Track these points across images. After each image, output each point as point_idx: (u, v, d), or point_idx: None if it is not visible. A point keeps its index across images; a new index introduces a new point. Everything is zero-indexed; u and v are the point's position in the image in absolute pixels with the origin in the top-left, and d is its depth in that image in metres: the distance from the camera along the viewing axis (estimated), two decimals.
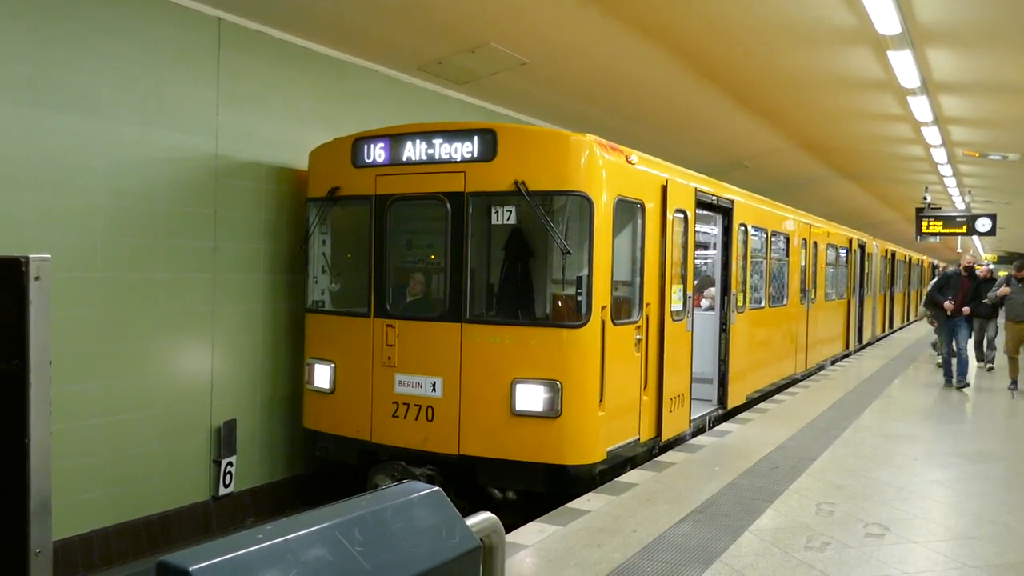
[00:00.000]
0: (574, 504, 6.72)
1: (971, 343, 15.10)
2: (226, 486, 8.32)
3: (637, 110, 13.91)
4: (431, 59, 10.38)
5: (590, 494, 7.00)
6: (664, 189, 8.62)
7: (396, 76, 10.68)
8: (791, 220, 14.30)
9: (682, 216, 9.13)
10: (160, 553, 7.43)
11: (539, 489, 7.29)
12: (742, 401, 11.38)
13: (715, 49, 10.96)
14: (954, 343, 13.89)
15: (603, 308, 7.33)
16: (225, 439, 8.29)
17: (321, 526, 2.10)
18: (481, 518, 2.60)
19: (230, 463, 8.35)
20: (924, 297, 17.05)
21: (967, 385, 13.87)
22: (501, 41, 10.10)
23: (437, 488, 2.51)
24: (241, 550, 1.90)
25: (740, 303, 11.14)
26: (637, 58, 11.16)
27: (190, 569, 1.78)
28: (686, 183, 9.35)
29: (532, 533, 5.93)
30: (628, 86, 12.53)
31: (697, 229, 9.95)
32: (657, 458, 8.40)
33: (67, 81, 6.90)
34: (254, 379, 8.71)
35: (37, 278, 1.95)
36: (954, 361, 13.89)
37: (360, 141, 8.10)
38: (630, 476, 7.65)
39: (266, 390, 8.84)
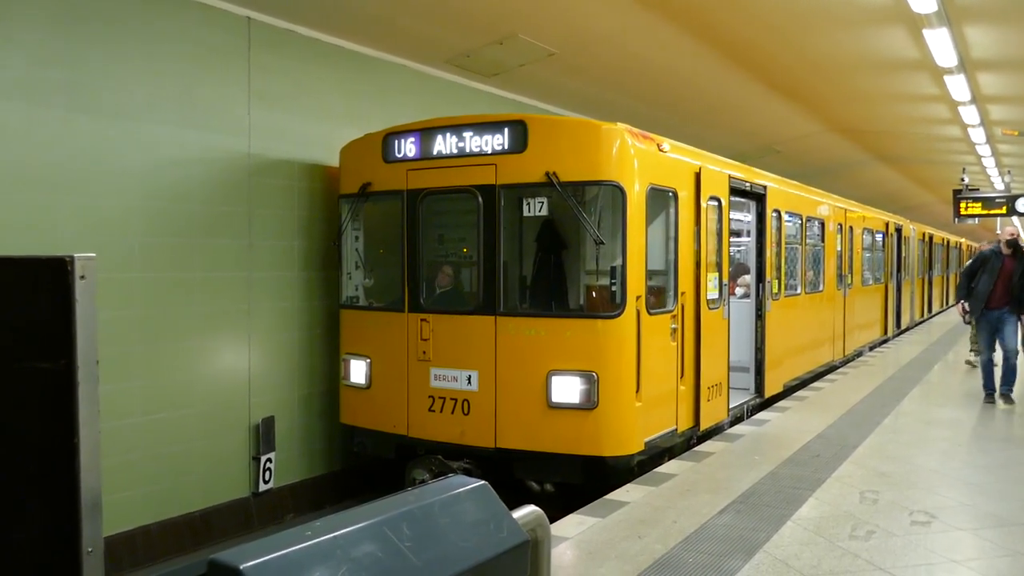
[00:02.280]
0: (613, 496, 6.68)
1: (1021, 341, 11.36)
2: (266, 482, 8.40)
3: (667, 98, 13.77)
4: (459, 52, 10.36)
5: (629, 485, 6.97)
6: (697, 176, 8.54)
7: (424, 70, 10.68)
8: (826, 205, 14.10)
9: (716, 203, 9.05)
10: (203, 549, 7.56)
11: (577, 481, 7.27)
12: (779, 390, 11.23)
13: (746, 33, 10.81)
14: (997, 344, 10.78)
15: (638, 298, 7.27)
16: (264, 436, 8.36)
17: (369, 522, 2.10)
18: (526, 511, 2.57)
19: (269, 459, 8.42)
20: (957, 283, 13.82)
21: (1013, 402, 10.78)
22: (529, 32, 10.05)
23: (484, 482, 2.49)
24: (291, 547, 1.90)
25: (775, 290, 10.99)
26: (666, 45, 11.06)
27: (241, 567, 1.78)
28: (720, 170, 9.26)
29: (572, 525, 5.91)
30: (657, 73, 12.41)
31: (731, 216, 9.80)
32: (695, 448, 8.35)
33: (101, 84, 6.98)
34: (291, 376, 8.77)
35: (83, 277, 1.95)
36: (997, 368, 10.78)
37: (391, 136, 8.11)
38: (669, 467, 7.60)
39: (303, 386, 8.90)
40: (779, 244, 11.22)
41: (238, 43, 8.17)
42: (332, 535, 1.99)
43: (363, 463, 9.08)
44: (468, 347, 7.62)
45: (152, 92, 7.37)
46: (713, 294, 8.87)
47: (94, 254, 1.98)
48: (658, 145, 7.79)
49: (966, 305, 11.13)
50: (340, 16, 8.85)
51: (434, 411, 7.77)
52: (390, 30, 9.44)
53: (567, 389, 7.18)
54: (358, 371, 8.33)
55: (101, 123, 6.96)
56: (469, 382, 7.60)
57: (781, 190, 11.54)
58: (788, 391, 11.58)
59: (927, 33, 9.98)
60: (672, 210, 8.08)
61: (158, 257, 7.42)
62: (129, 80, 7.19)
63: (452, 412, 7.67)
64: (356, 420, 8.43)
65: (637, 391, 7.27)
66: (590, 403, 7.10)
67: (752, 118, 16.20)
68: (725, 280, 9.32)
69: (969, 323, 11.99)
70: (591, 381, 7.09)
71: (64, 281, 1.95)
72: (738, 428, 9.29)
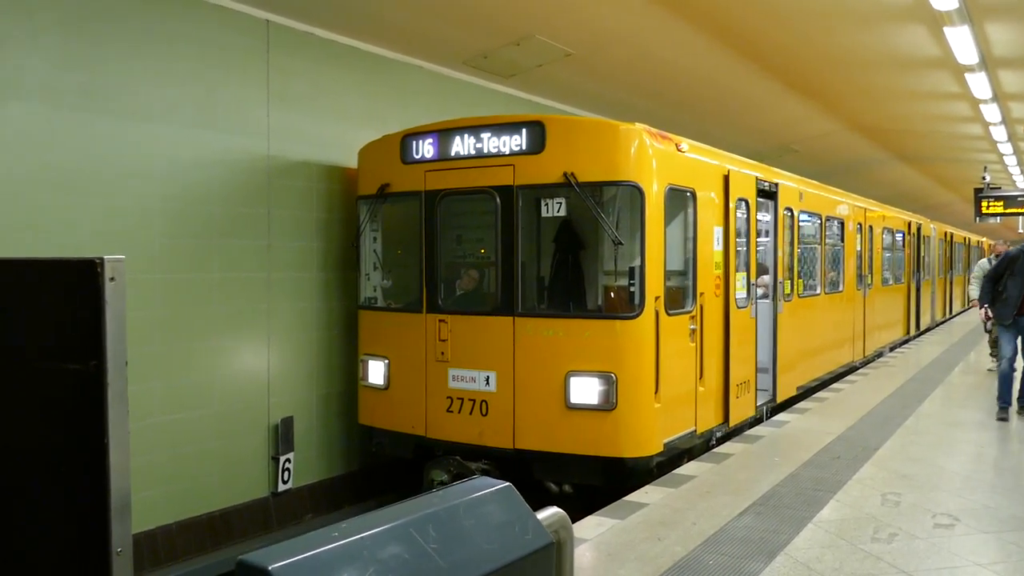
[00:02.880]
0: (632, 497, 6.66)
1: None
2: (284, 482, 8.43)
3: (684, 97, 13.72)
4: (476, 53, 10.37)
5: (648, 487, 6.94)
6: (726, 179, 8.63)
7: (441, 71, 10.70)
8: (845, 204, 13.99)
9: (744, 204, 9.07)
10: (223, 549, 7.58)
11: (596, 483, 7.25)
12: (792, 393, 11.04)
13: (764, 31, 10.75)
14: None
15: (656, 298, 7.25)
16: (283, 436, 8.39)
17: (395, 523, 2.10)
18: (549, 513, 2.56)
19: (288, 459, 8.45)
20: (969, 284, 13.35)
21: None
22: (546, 33, 10.04)
23: (508, 484, 2.48)
24: (318, 548, 1.90)
25: (787, 291, 10.80)
26: (683, 44, 11.02)
27: (270, 568, 1.79)
28: (748, 172, 9.35)
29: (591, 527, 5.89)
30: (674, 73, 12.37)
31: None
32: (714, 449, 8.32)
33: (121, 87, 7.02)
34: (310, 376, 8.80)
35: (112, 279, 1.96)
36: (1017, 378, 9.93)
37: (409, 138, 8.12)
38: (688, 468, 7.57)
39: (321, 387, 8.93)
40: (792, 244, 11.02)
41: (257, 45, 8.21)
42: (359, 536, 1.99)
43: (381, 463, 9.09)
44: (486, 348, 7.62)
45: (172, 94, 7.42)
46: (741, 293, 8.99)
47: (123, 256, 1.99)
48: (676, 145, 7.76)
49: (990, 311, 10.12)
50: (358, 18, 8.88)
51: (452, 412, 7.77)
52: (408, 31, 9.46)
53: (586, 390, 7.16)
54: (376, 372, 8.35)
55: (122, 125, 7.01)
56: (487, 383, 7.60)
57: (793, 187, 11.26)
58: (807, 392, 11.47)
59: (948, 31, 9.89)
60: (691, 210, 8.05)
61: (178, 258, 7.46)
62: (150, 83, 7.23)
63: (470, 413, 7.67)
64: (374, 421, 8.45)
65: (656, 392, 7.25)
66: (609, 404, 7.08)
67: (769, 117, 16.10)
68: (754, 280, 9.39)
69: (990, 331, 11.18)
70: (610, 382, 7.07)
71: (94, 283, 1.95)
72: (758, 429, 9.24)
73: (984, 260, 14.76)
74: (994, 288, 9.97)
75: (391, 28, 9.31)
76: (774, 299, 10.39)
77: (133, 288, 7.05)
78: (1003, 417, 9.63)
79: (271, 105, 8.34)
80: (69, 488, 2.06)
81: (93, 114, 6.82)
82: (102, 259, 1.95)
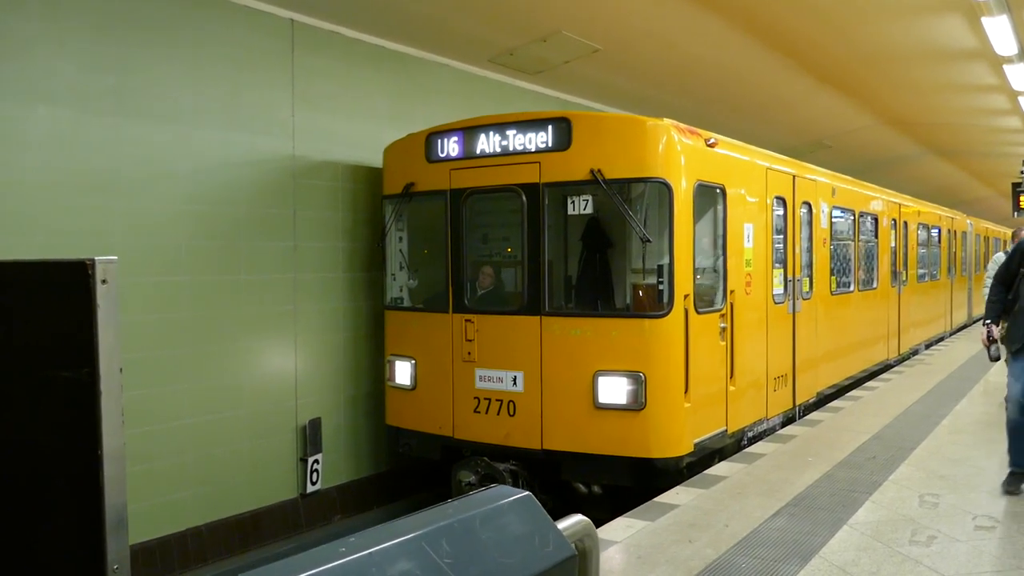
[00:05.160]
0: (662, 498, 6.55)
1: None
2: (313, 483, 8.43)
3: (713, 93, 13.55)
4: (502, 50, 10.31)
5: (679, 487, 6.84)
6: (759, 174, 8.58)
7: (468, 69, 10.65)
8: (878, 199, 13.73)
9: (781, 202, 8.95)
10: (251, 550, 7.60)
11: (625, 484, 7.14)
12: (811, 397, 10.28)
13: (796, 24, 10.58)
14: None
15: (685, 297, 7.13)
16: (311, 437, 8.39)
17: (406, 537, 1.99)
18: (573, 521, 2.44)
19: (316, 461, 8.44)
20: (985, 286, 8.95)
21: None
22: (573, 28, 9.96)
23: (527, 493, 2.38)
24: (322, 566, 1.81)
25: (806, 289, 10.19)
26: (713, 39, 10.88)
27: None
28: (787, 170, 9.28)
29: (620, 529, 5.79)
30: (703, 68, 12.22)
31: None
32: (746, 449, 8.19)
33: (148, 89, 7.05)
34: (337, 377, 8.79)
35: (104, 281, 1.88)
36: None
37: (433, 136, 8.07)
38: (719, 468, 7.45)
39: (349, 388, 8.92)
40: (810, 240, 10.38)
41: (282, 45, 8.21)
42: (368, 551, 1.89)
43: (410, 464, 9.05)
44: (513, 348, 7.54)
45: (198, 96, 7.44)
46: (778, 289, 8.94)
47: (116, 257, 1.92)
48: (705, 140, 7.63)
49: (994, 330, 6.75)
50: (383, 17, 8.86)
51: (479, 412, 7.71)
52: (434, 29, 9.42)
53: (614, 390, 7.06)
54: (403, 372, 8.31)
55: (149, 127, 7.04)
56: (515, 383, 7.52)
57: (810, 180, 10.49)
58: (829, 397, 10.91)
59: (986, 21, 9.65)
60: (721, 207, 7.91)
61: (205, 260, 7.48)
62: (176, 84, 7.25)
63: (498, 413, 7.60)
64: (401, 421, 8.41)
65: (686, 392, 7.13)
66: (637, 404, 6.97)
67: (802, 112, 15.89)
68: (797, 276, 9.29)
69: (997, 358, 7.00)
70: (638, 382, 6.97)
71: (85, 286, 1.87)
72: (790, 429, 9.08)
73: (1000, 253, 10.63)
74: (1005, 296, 6.70)
75: (417, 26, 9.27)
76: (793, 297, 9.87)
77: (161, 290, 7.11)
78: (1011, 490, 6.40)
79: (296, 105, 8.34)
80: (62, 503, 1.99)
81: (121, 117, 6.85)
82: (93, 260, 1.87)
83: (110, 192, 6.78)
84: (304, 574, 1.77)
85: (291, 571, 1.78)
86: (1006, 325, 6.73)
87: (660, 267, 7.19)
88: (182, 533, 7.30)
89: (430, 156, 8.08)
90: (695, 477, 7.15)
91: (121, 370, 1.90)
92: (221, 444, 7.65)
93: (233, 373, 7.75)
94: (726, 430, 7.86)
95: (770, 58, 11.94)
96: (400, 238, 8.73)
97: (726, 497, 6.53)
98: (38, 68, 6.35)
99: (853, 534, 5.61)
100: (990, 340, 6.84)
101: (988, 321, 6.86)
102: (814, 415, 9.78)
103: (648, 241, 7.10)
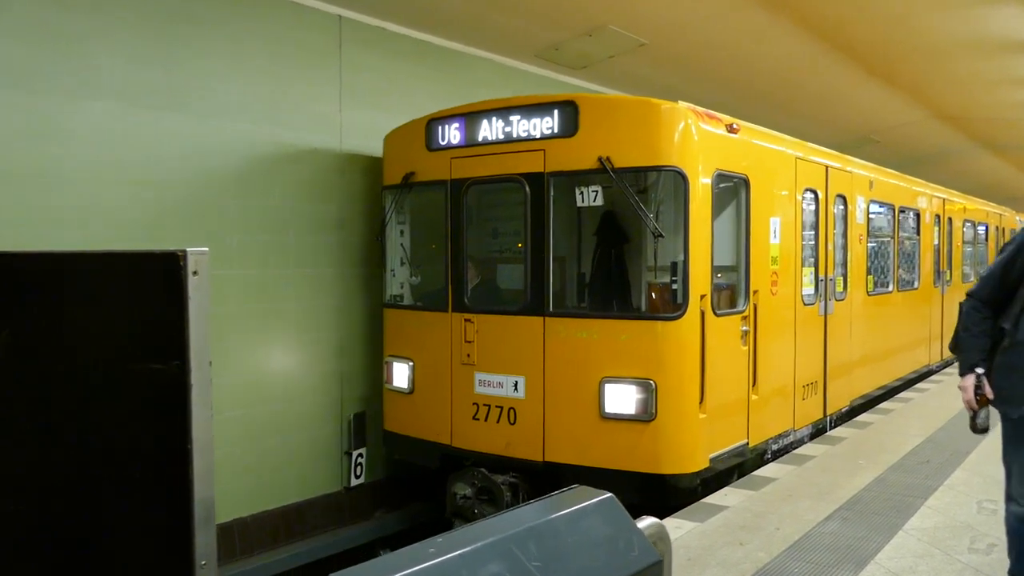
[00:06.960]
0: (711, 499, 6.31)
1: None
2: (357, 477, 8.41)
3: (759, 88, 13.08)
4: (548, 45, 10.15)
5: (727, 488, 6.54)
6: (789, 164, 7.99)
7: (512, 64, 10.58)
8: (922, 194, 12.89)
9: (813, 196, 8.29)
10: (296, 542, 7.71)
11: (633, 501, 6.50)
12: (844, 406, 9.48)
13: (845, 16, 10.17)
14: None
15: (702, 297, 6.50)
16: (355, 431, 8.34)
17: (495, 539, 2.00)
18: (648, 524, 2.40)
19: (360, 455, 8.41)
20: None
21: None
22: (619, 22, 9.74)
23: (610, 494, 2.34)
24: (415, 567, 1.81)
25: (839, 288, 9.37)
26: (760, 32, 10.49)
27: None
28: (820, 160, 8.65)
29: (669, 529, 5.30)
30: (750, 62, 11.81)
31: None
32: (794, 451, 7.79)
33: (196, 84, 7.09)
34: (380, 372, 8.47)
35: (195, 273, 1.83)
36: None
37: (434, 122, 7.53)
38: (767, 470, 7.14)
39: None
40: (845, 236, 9.56)
41: (330, 41, 8.20)
42: (458, 552, 1.90)
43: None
44: (515, 350, 6.98)
45: (246, 91, 7.49)
46: (808, 289, 8.31)
47: (207, 248, 1.83)
48: (728, 125, 6.98)
49: (987, 387, 4.23)
50: (430, 12, 8.76)
51: (479, 419, 7.16)
52: (480, 25, 9.30)
53: (622, 398, 6.46)
54: (401, 375, 7.80)
55: (197, 123, 7.11)
56: (516, 388, 6.96)
57: (846, 172, 9.60)
58: (861, 407, 10.01)
59: None
60: (744, 199, 7.26)
61: (254, 254, 7.54)
62: (224, 80, 7.29)
63: (497, 421, 7.05)
64: (399, 427, 7.90)
65: (701, 401, 6.50)
66: (647, 414, 6.36)
67: (849, 106, 15.35)
68: (829, 275, 8.77)
69: (985, 429, 4.51)
70: (649, 390, 6.35)
71: (176, 277, 1.82)
72: (839, 431, 8.67)
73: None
74: (992, 321, 4.30)
75: (463, 21, 9.15)
76: (825, 298, 8.99)
77: (212, 284, 6.81)
78: None
79: (343, 100, 8.30)
80: (149, 497, 1.96)
81: (170, 112, 6.87)
82: (185, 252, 1.81)
83: (159, 186, 6.80)
84: (397, 574, 1.78)
85: (383, 572, 1.84)
86: (995, 373, 4.27)
87: (674, 264, 6.54)
88: (228, 524, 7.28)
89: (430, 144, 7.54)
90: (744, 478, 6.87)
91: (211, 363, 1.86)
92: (267, 436, 7.74)
93: (280, 366, 7.82)
94: (747, 443, 7.21)
95: (818, 51, 11.46)
96: (400, 232, 8.21)
97: (776, 499, 6.28)
98: (87, 64, 6.34)
99: (909, 540, 5.36)
100: (979, 401, 4.28)
101: (979, 369, 4.25)
102: (863, 416, 9.35)
103: (661, 236, 6.48)
